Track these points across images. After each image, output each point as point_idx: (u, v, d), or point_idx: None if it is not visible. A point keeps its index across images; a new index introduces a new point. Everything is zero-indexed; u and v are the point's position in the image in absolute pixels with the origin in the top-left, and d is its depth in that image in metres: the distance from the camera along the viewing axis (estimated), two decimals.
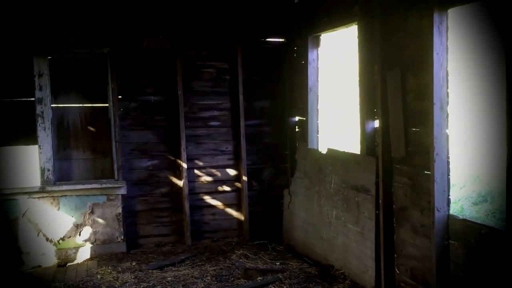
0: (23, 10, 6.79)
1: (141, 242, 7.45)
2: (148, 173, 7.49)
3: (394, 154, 5.18)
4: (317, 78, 7.17)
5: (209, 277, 6.10)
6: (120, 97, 7.29)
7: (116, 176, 7.26)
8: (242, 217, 7.82)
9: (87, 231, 7.06)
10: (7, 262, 6.64)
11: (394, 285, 5.29)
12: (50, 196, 6.89)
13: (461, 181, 9.83)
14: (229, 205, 7.84)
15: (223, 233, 7.79)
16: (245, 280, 5.99)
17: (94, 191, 7.04)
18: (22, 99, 7.08)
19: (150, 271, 6.37)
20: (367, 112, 5.57)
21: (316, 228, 6.67)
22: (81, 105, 7.36)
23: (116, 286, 5.92)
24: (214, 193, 7.77)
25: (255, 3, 7.66)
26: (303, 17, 7.27)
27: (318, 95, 7.18)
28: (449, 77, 4.50)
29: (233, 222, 7.85)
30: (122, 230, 7.17)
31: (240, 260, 6.73)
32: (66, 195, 6.96)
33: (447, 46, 4.48)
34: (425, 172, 4.68)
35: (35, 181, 7.01)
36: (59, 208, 6.93)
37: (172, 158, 7.58)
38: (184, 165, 7.50)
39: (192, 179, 7.63)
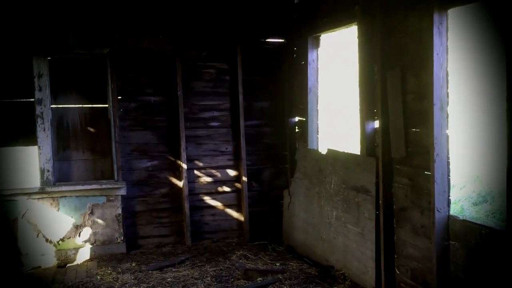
0: (23, 11, 6.79)
1: (141, 243, 7.44)
2: (148, 174, 7.49)
3: (394, 155, 5.17)
4: (317, 78, 7.16)
5: (209, 278, 6.09)
6: (120, 97, 7.28)
7: (115, 177, 7.25)
8: (242, 218, 7.81)
9: (86, 232, 7.06)
10: (7, 263, 6.63)
11: (394, 286, 5.28)
12: (49, 197, 6.88)
13: (461, 181, 9.83)
14: (229, 206, 7.83)
15: (223, 234, 7.78)
16: (245, 281, 5.98)
17: (93, 192, 7.03)
18: (22, 100, 7.07)
19: (150, 272, 6.36)
20: (367, 113, 5.56)
21: (316, 229, 6.66)
22: (80, 105, 7.35)
23: (116, 287, 5.91)
24: (214, 194, 7.76)
25: (255, 4, 7.66)
26: (303, 18, 7.27)
27: (318, 96, 7.17)
28: (449, 77, 4.50)
29: (233, 223, 7.84)
30: (122, 231, 7.16)
31: (240, 260, 6.73)
32: (65, 196, 6.95)
33: (447, 46, 4.47)
34: (425, 172, 4.68)
35: (35, 182, 7.00)
36: (58, 209, 6.93)
37: (172, 158, 7.57)
38: (184, 166, 7.49)
39: (192, 179, 7.62)
